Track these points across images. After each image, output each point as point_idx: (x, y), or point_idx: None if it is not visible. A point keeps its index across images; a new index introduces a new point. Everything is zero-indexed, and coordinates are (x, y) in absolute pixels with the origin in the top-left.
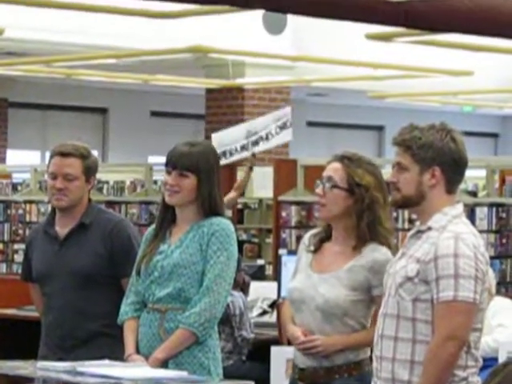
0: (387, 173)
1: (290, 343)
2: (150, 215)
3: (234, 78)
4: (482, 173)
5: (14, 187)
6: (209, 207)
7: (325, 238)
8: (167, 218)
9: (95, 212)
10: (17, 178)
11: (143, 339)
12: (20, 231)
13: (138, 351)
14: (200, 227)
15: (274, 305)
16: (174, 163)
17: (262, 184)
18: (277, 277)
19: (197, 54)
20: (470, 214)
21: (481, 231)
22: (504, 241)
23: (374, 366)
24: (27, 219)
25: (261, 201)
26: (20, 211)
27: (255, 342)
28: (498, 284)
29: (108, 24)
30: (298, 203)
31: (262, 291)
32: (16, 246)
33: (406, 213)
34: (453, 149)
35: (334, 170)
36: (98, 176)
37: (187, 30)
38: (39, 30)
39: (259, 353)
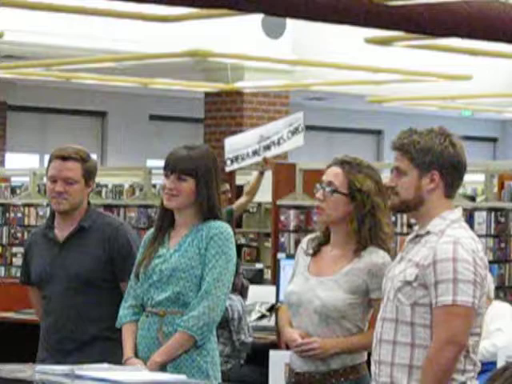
0: (386, 177)
1: (288, 348)
2: (148, 219)
3: (232, 82)
4: (481, 177)
5: (13, 190)
6: (207, 211)
7: (323, 241)
8: (166, 221)
9: (95, 216)
10: (15, 181)
11: (142, 343)
12: (19, 234)
13: (136, 355)
14: (198, 231)
15: (272, 309)
16: (172, 167)
17: (260, 188)
18: (275, 281)
19: (196, 58)
20: (469, 218)
21: (479, 236)
22: (503, 245)
23: (373, 371)
24: (26, 222)
25: (259, 205)
26: (19, 214)
27: (254, 346)
28: (497, 288)
29: (107, 28)
30: (296, 207)
31: (260, 295)
32: (15, 250)
33: (405, 217)
34: (452, 153)
35: (335, 174)
36: (97, 179)
37: (186, 33)
38: (38, 33)
39: (257, 357)
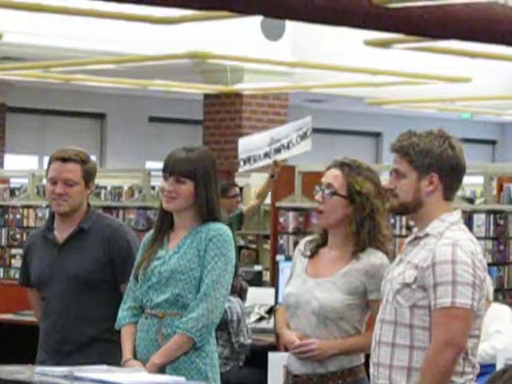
0: (385, 179)
1: (286, 350)
2: (147, 220)
3: (232, 84)
4: (480, 180)
5: (12, 192)
6: (206, 213)
7: (321, 243)
8: (165, 223)
9: (94, 217)
10: (14, 182)
11: (141, 344)
12: (17, 236)
13: (135, 357)
14: (198, 233)
15: (271, 311)
16: (170, 169)
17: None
18: (274, 283)
19: (195, 60)
20: (468, 220)
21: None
22: (501, 248)
23: (372, 373)
24: (25, 224)
25: (259, 207)
26: (18, 216)
27: (252, 347)
28: (496, 291)
29: (106, 29)
30: (295, 209)
31: (259, 297)
32: (13, 251)
33: (404, 219)
34: (451, 155)
35: (334, 176)
36: (96, 181)
37: (186, 35)
38: (37, 35)
39: (256, 359)
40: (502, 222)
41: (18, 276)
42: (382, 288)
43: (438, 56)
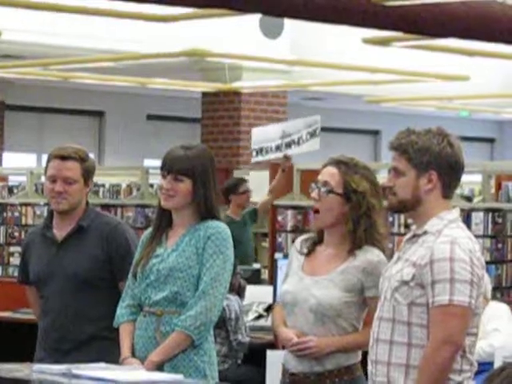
0: (383, 177)
1: (284, 348)
2: (145, 218)
3: (230, 82)
4: (478, 178)
5: (10, 190)
6: (205, 210)
7: (317, 241)
8: (163, 221)
9: (93, 215)
10: (13, 180)
11: (139, 342)
12: (16, 234)
13: (133, 354)
14: (196, 231)
15: (269, 309)
16: (169, 167)
17: (258, 188)
18: (272, 281)
19: (193, 58)
20: (466, 218)
21: (477, 236)
22: (500, 246)
23: (370, 370)
24: (23, 222)
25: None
26: (16, 214)
27: (251, 345)
28: (494, 289)
29: (105, 27)
30: (294, 207)
31: (257, 295)
32: (12, 249)
33: (402, 217)
34: (449, 153)
35: (330, 174)
36: (94, 179)
37: (184, 33)
38: (36, 32)
39: (255, 357)
40: (500, 220)
41: (16, 274)
42: (380, 286)
43: (437, 54)
